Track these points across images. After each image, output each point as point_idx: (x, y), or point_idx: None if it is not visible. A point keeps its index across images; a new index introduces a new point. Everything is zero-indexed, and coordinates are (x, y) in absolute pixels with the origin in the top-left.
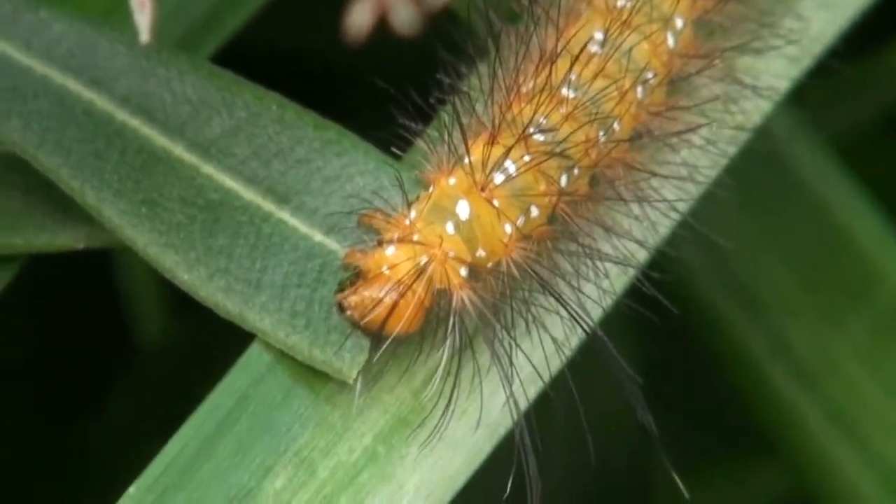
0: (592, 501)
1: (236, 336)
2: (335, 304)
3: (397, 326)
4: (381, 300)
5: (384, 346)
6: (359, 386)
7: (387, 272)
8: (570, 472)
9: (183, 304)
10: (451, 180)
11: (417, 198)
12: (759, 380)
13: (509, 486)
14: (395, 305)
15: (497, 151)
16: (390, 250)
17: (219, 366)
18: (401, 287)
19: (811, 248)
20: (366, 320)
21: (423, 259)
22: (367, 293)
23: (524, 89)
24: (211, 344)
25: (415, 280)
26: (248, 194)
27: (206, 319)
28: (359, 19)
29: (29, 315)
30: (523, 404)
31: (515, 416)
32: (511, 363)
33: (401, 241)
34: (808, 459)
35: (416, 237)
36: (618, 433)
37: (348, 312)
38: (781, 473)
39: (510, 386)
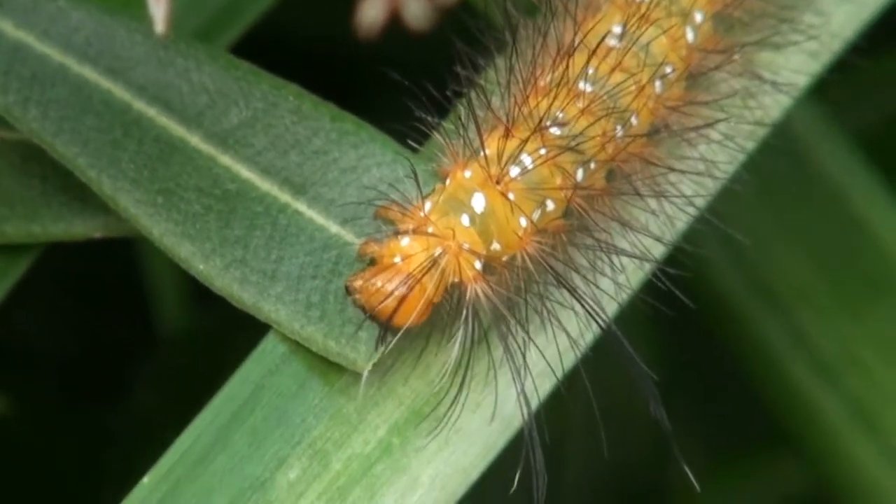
0: (608, 495)
1: (257, 325)
2: (343, 287)
3: (405, 318)
4: (389, 291)
5: (397, 338)
6: (364, 377)
7: (399, 262)
8: (587, 467)
9: (203, 293)
10: (467, 173)
11: (433, 190)
12: (779, 374)
13: (516, 480)
14: (403, 297)
15: (513, 144)
16: (405, 241)
17: (240, 355)
18: (410, 280)
19: (831, 242)
20: (374, 310)
21: (438, 251)
22: (374, 280)
23: (541, 83)
24: (232, 333)
25: (425, 273)
26: (265, 185)
27: (225, 308)
28: (371, 14)
29: (51, 303)
30: (537, 399)
31: (526, 411)
32: (524, 358)
33: (416, 232)
34: (828, 454)
35: (430, 229)
36: (634, 428)
37: (356, 296)
38: (800, 468)
39: (522, 381)
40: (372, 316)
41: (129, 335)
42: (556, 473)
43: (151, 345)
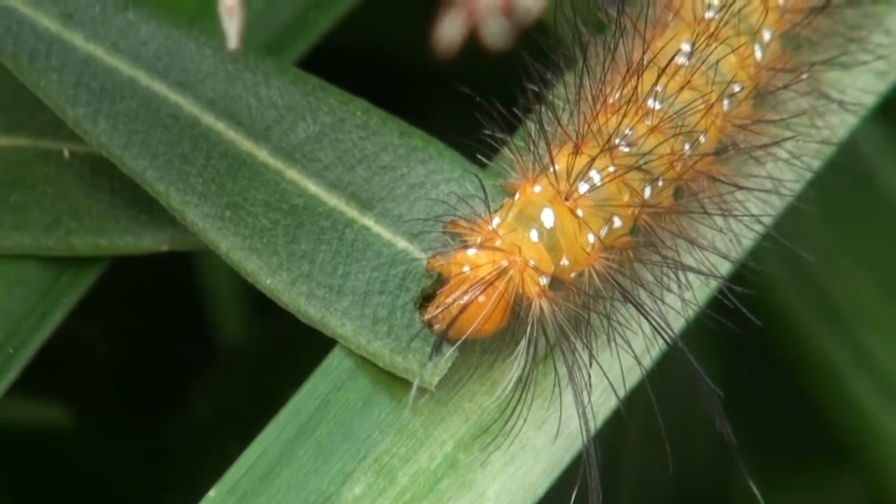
0: None
1: (317, 339)
2: (422, 322)
3: (482, 326)
4: (464, 302)
5: (455, 348)
6: (431, 392)
7: (468, 272)
8: (646, 481)
9: (264, 307)
10: (537, 188)
11: (502, 205)
12: (841, 392)
13: (573, 498)
14: (478, 304)
15: (582, 161)
16: (472, 251)
17: (299, 369)
18: (482, 285)
19: (894, 261)
20: (451, 327)
21: (504, 264)
22: (449, 299)
23: (610, 100)
24: (291, 347)
25: (492, 283)
26: (332, 200)
27: (286, 322)
28: (450, 33)
29: (114, 315)
30: (600, 416)
31: (586, 429)
32: (588, 375)
33: (484, 245)
34: (889, 470)
35: (498, 243)
36: (697, 443)
37: (435, 327)
38: (862, 485)
39: (583, 399)
40: (438, 328)
41: (190, 348)
42: (616, 489)
43: (211, 358)
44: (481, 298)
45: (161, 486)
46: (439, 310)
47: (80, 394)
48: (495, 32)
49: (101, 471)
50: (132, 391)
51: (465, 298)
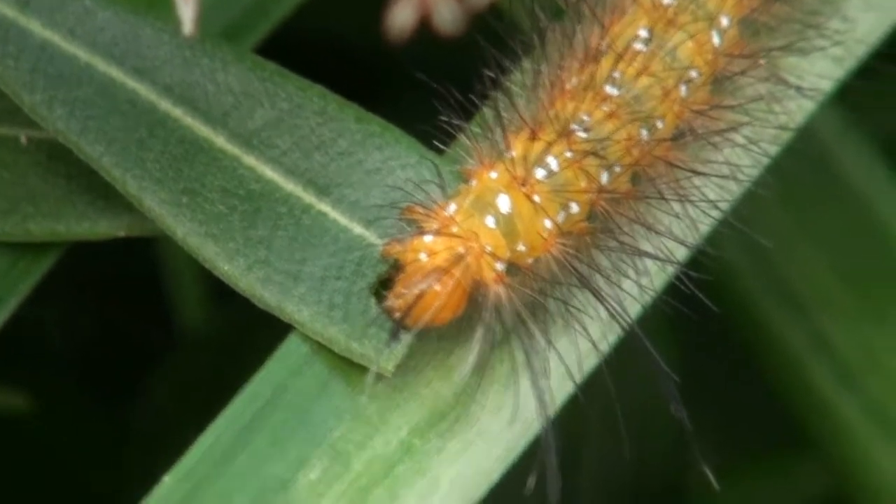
0: (626, 496)
1: (277, 325)
2: (378, 308)
3: (439, 313)
4: (421, 290)
5: (424, 338)
6: (387, 378)
7: (424, 259)
8: (604, 467)
9: (225, 293)
10: (493, 174)
11: (458, 191)
12: (800, 377)
13: (532, 483)
14: (434, 292)
15: (539, 147)
16: (429, 238)
17: (259, 355)
18: (439, 273)
19: (853, 247)
20: (408, 314)
21: (461, 250)
22: (406, 287)
23: (567, 86)
24: (252, 332)
25: (452, 265)
26: (289, 185)
27: (247, 308)
28: (401, 19)
29: (72, 302)
30: (558, 401)
31: (544, 414)
32: (546, 361)
33: (440, 232)
34: (848, 457)
35: (455, 229)
36: (652, 429)
37: (396, 315)
38: (820, 471)
39: (540, 384)
40: (396, 314)
41: (150, 334)
42: (574, 474)
43: (171, 344)
44: (438, 286)
45: (120, 472)
46: (396, 298)
47: (40, 380)
48: (447, 18)
49: (60, 456)
50: (92, 377)
51: (422, 286)
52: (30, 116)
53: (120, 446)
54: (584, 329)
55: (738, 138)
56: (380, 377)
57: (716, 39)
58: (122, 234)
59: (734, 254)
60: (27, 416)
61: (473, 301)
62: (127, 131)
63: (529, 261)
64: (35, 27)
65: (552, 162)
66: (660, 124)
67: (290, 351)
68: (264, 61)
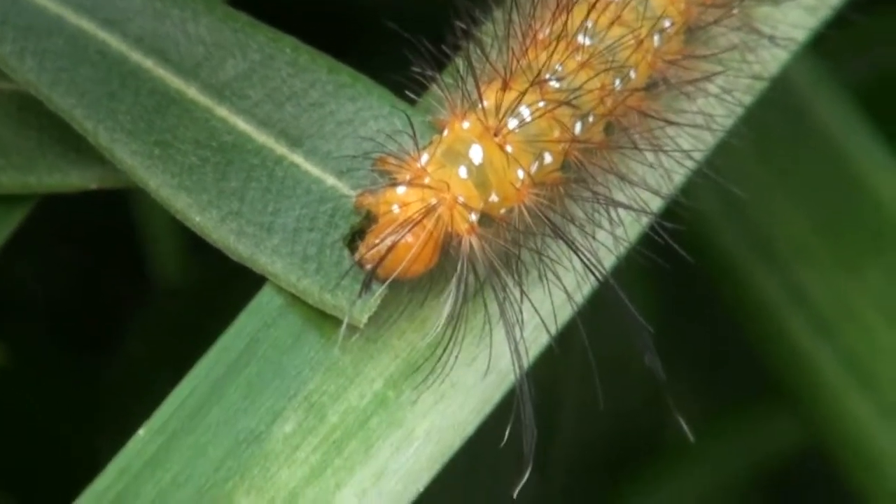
0: (602, 447)
1: (252, 277)
2: (351, 260)
3: (412, 265)
4: (393, 242)
5: (385, 286)
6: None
7: (397, 211)
8: (581, 419)
9: (200, 245)
10: (465, 125)
11: (430, 142)
12: (775, 328)
13: (507, 434)
14: (406, 244)
15: (511, 97)
16: (401, 189)
17: (236, 306)
18: (411, 224)
19: (828, 197)
20: (380, 266)
21: (433, 201)
22: (379, 239)
23: (540, 36)
24: (227, 284)
25: (424, 217)
26: (261, 137)
27: (222, 260)
28: None
29: (47, 254)
30: (533, 353)
31: (519, 366)
32: (520, 312)
33: (412, 183)
34: (824, 408)
35: (427, 180)
36: (629, 380)
37: (367, 267)
38: (796, 422)
39: (515, 336)
40: (368, 265)
41: (125, 286)
42: (550, 426)
43: (147, 296)
44: (410, 238)
45: (94, 425)
46: (368, 249)
47: (14, 332)
48: None
49: (34, 408)
50: (67, 329)
51: (394, 238)
52: None
53: (93, 398)
54: (559, 280)
55: (712, 88)
56: (353, 329)
57: None
58: (94, 186)
59: (709, 204)
60: (1, 368)
61: (447, 252)
62: (98, 83)
63: (502, 211)
64: None
65: (525, 112)
66: (633, 74)
67: (263, 303)
68: (235, 12)
